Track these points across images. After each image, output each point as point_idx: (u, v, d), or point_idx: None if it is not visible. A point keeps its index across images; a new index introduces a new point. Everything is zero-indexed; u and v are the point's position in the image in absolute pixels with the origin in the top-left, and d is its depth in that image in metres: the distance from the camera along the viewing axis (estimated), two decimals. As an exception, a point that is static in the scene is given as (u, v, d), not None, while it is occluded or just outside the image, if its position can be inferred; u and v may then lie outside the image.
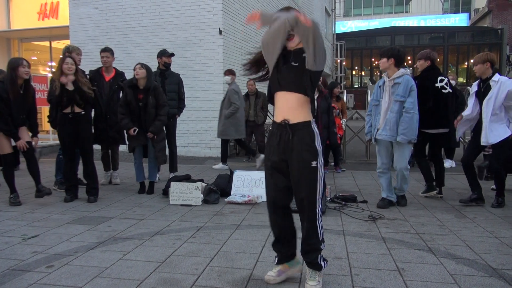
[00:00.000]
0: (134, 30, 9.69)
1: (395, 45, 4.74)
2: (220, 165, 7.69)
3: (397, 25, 37.48)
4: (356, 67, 31.37)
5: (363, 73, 31.47)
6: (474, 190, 4.89)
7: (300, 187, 2.50)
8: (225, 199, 5.13)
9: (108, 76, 5.98)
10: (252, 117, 8.24)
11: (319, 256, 2.61)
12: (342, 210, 4.70)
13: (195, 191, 5.00)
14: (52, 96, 5.02)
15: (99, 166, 5.71)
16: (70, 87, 4.97)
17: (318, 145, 2.49)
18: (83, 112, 5.10)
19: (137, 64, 5.37)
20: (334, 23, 26.30)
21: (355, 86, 30.53)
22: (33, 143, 5.16)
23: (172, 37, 9.39)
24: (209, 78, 9.23)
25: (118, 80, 5.95)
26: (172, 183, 5.10)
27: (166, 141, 5.62)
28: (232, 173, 5.58)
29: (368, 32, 31.15)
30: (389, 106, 4.67)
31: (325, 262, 2.65)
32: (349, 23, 41.05)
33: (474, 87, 4.95)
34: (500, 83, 4.58)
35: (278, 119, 2.54)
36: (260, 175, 5.33)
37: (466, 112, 4.97)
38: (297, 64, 2.46)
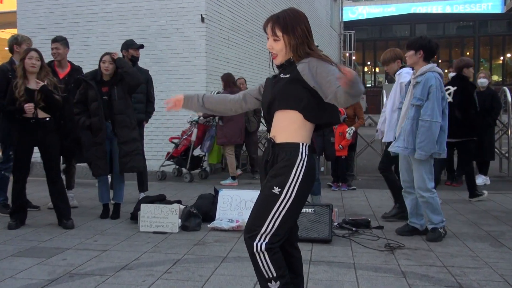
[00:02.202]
0: (97, 16, 9.69)
1: (424, 35, 4.93)
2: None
3: (417, 11, 37.99)
4: (369, 63, 31.69)
5: (377, 70, 31.79)
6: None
7: (252, 209, 2.54)
8: (208, 225, 5.11)
9: (62, 72, 5.93)
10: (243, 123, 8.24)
11: None
12: (352, 238, 4.70)
13: (171, 215, 4.97)
14: (8, 99, 4.97)
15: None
16: (34, 86, 4.96)
17: (296, 174, 2.45)
18: (47, 118, 5.10)
19: (106, 55, 5.42)
20: (342, 9, 26.59)
21: (367, 85, 30.79)
22: None
23: (143, 25, 9.41)
24: (189, 76, 9.24)
25: (74, 77, 5.91)
26: (142, 205, 5.07)
27: (139, 145, 5.55)
28: (216, 192, 5.57)
29: (383, 20, 31.53)
30: (407, 110, 4.72)
31: None
32: (359, 9, 41.52)
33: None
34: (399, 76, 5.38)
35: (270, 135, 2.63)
36: (252, 195, 5.32)
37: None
38: (287, 76, 2.52)
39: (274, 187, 2.45)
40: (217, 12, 9.76)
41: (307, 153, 2.50)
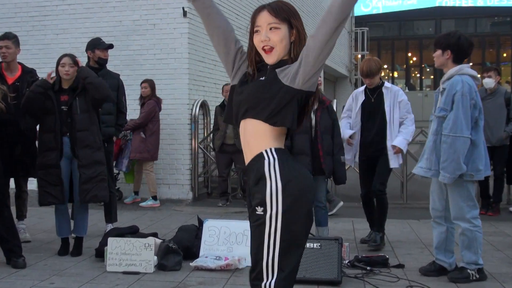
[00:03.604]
0: (57, 10, 9.73)
1: (454, 31, 4.87)
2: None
3: (443, 5, 38.32)
4: (385, 66, 31.85)
5: (395, 74, 32.00)
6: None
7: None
8: (190, 263, 5.09)
9: (11, 77, 5.92)
10: (231, 139, 8.25)
11: None
12: (366, 279, 4.70)
13: (145, 252, 4.95)
14: None
15: None
16: None
17: (272, 182, 2.40)
18: None
19: (65, 57, 5.44)
20: (353, 2, 26.76)
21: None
22: None
23: (112, 20, 9.45)
24: (168, 81, 9.25)
25: (27, 81, 5.90)
26: (110, 239, 5.05)
27: (104, 169, 5.54)
28: (201, 223, 5.54)
29: (402, 15, 31.77)
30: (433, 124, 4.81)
31: None
32: (374, 1, 41.78)
33: (359, 97, 5.88)
34: (394, 91, 5.75)
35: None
36: (244, 226, 5.29)
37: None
38: (264, 78, 2.48)
39: (257, 208, 2.41)
40: (203, 4, 9.80)
41: (275, 155, 2.43)
